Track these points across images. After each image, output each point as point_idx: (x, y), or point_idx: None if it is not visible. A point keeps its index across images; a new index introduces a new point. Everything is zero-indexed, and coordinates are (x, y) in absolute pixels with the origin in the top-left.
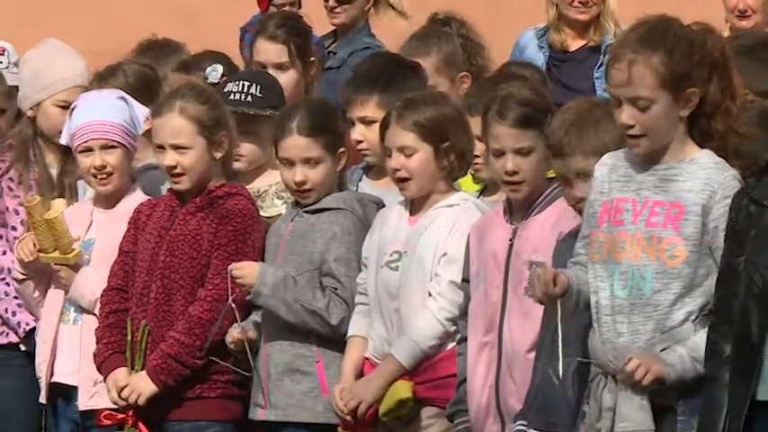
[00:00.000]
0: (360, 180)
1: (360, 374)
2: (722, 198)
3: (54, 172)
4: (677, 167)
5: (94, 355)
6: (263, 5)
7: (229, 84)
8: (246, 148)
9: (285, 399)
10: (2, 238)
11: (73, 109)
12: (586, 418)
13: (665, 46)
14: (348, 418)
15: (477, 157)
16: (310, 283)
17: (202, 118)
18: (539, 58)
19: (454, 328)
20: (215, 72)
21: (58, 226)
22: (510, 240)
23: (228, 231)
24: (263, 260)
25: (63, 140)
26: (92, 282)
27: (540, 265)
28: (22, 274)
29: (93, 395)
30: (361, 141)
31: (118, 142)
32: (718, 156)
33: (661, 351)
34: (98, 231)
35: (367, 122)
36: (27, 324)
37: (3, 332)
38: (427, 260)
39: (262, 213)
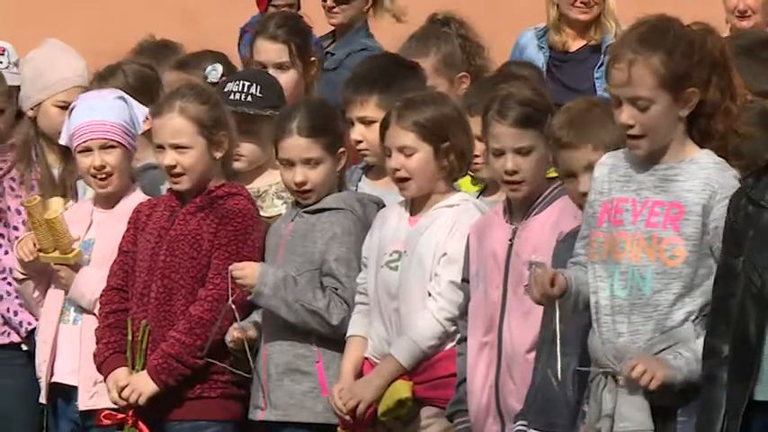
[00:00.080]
0: (359, 180)
1: (359, 374)
2: (723, 198)
3: (56, 172)
4: (677, 167)
5: (94, 355)
6: (262, 6)
7: (229, 83)
8: (246, 148)
9: (285, 399)
10: (4, 238)
11: (72, 109)
12: (586, 418)
13: (664, 46)
14: (347, 417)
15: (476, 156)
16: (311, 283)
17: (202, 118)
18: (539, 58)
19: (454, 328)
20: (215, 71)
21: (58, 226)
22: (510, 240)
23: (229, 231)
24: (263, 260)
25: (62, 140)
26: (92, 282)
27: (540, 265)
28: (22, 273)
29: (94, 395)
30: (360, 141)
31: (117, 142)
32: (718, 156)
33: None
34: (98, 231)
35: (366, 122)
36: (29, 324)
37: (4, 332)
38: (427, 260)
39: (262, 213)
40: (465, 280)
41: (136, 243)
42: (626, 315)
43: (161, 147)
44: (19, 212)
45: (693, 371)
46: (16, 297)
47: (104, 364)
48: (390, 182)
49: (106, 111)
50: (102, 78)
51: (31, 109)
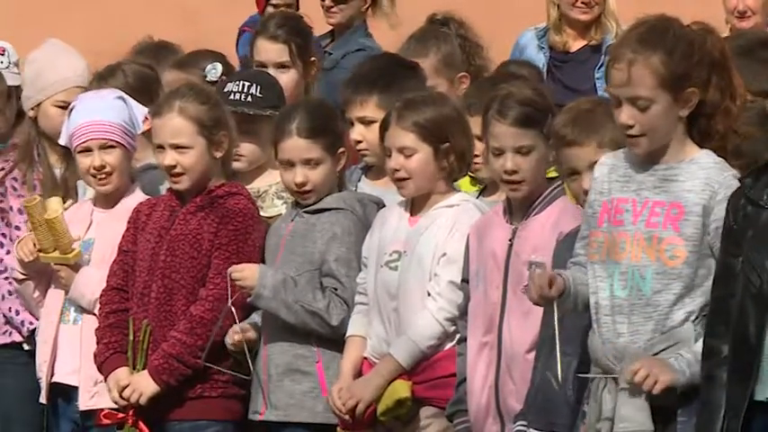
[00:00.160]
0: (359, 180)
1: (358, 374)
2: (723, 198)
3: (58, 172)
4: (677, 167)
5: (95, 355)
6: (260, 5)
7: (229, 84)
8: (246, 148)
9: (285, 399)
10: (6, 238)
11: (71, 109)
12: (586, 418)
13: (664, 46)
14: (346, 417)
15: (476, 156)
16: (310, 283)
17: (202, 118)
18: (539, 58)
19: (453, 328)
20: (214, 71)
21: (58, 226)
22: (509, 240)
23: (229, 231)
24: (263, 260)
25: (62, 141)
26: (92, 282)
27: (540, 266)
28: (22, 274)
29: (94, 395)
30: (360, 141)
31: (117, 142)
32: (718, 156)
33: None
34: (98, 231)
35: (366, 123)
36: (30, 323)
37: (6, 331)
38: (427, 260)
39: (262, 213)
40: (465, 280)
41: (136, 243)
42: (626, 315)
43: (161, 147)
44: (21, 212)
45: (695, 373)
46: (18, 297)
47: (105, 364)
48: (390, 182)
49: (106, 111)
50: (101, 78)
51: (32, 109)
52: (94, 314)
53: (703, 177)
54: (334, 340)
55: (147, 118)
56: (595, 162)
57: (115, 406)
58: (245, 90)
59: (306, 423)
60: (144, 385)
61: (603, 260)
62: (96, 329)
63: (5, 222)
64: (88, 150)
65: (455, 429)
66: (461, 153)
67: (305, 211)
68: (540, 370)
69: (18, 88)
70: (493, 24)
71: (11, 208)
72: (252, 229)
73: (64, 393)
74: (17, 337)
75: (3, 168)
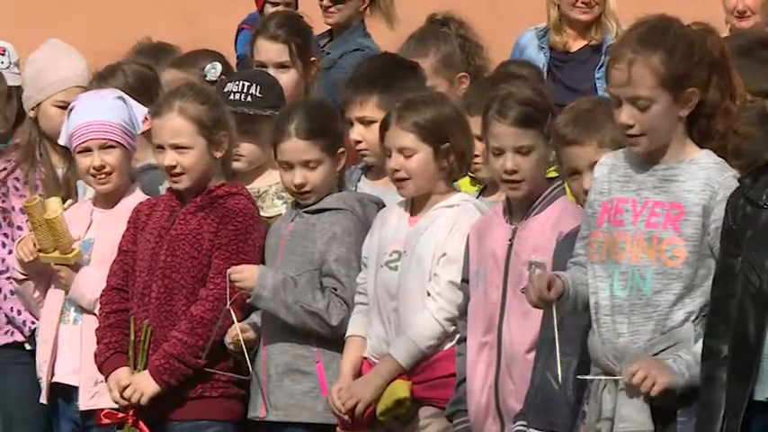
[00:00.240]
0: (358, 180)
1: (358, 374)
2: (723, 198)
3: (60, 172)
4: (677, 168)
5: (95, 355)
6: (258, 4)
7: (229, 84)
8: (246, 149)
9: (285, 399)
10: (8, 238)
11: (71, 109)
12: (586, 418)
13: (664, 46)
14: (346, 417)
15: (476, 156)
16: (310, 283)
17: (202, 118)
18: (539, 58)
19: (453, 328)
20: (214, 70)
21: (58, 226)
22: (509, 240)
23: (229, 231)
24: (263, 260)
25: (61, 141)
26: (92, 282)
27: (540, 266)
28: (22, 274)
29: (94, 395)
30: (360, 141)
31: (117, 142)
32: (718, 156)
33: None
34: (98, 231)
35: (366, 123)
36: (32, 323)
37: (8, 331)
38: (426, 260)
39: (262, 213)
40: (465, 280)
41: (136, 243)
42: (626, 315)
43: (161, 147)
44: (23, 212)
45: (695, 374)
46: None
47: (105, 364)
48: (390, 182)
49: (105, 111)
50: (101, 78)
51: (32, 109)
52: (94, 314)
53: (703, 178)
54: (333, 340)
55: (146, 118)
56: (596, 162)
57: (115, 406)
58: (245, 90)
59: (306, 423)
60: (145, 385)
61: (603, 260)
62: (97, 329)
63: (7, 222)
64: (88, 150)
65: (455, 429)
66: (461, 153)
67: (305, 212)
68: (540, 370)
69: (18, 88)
70: (493, 24)
71: (13, 208)
72: (252, 229)
73: (64, 393)
74: (19, 337)
75: (5, 168)
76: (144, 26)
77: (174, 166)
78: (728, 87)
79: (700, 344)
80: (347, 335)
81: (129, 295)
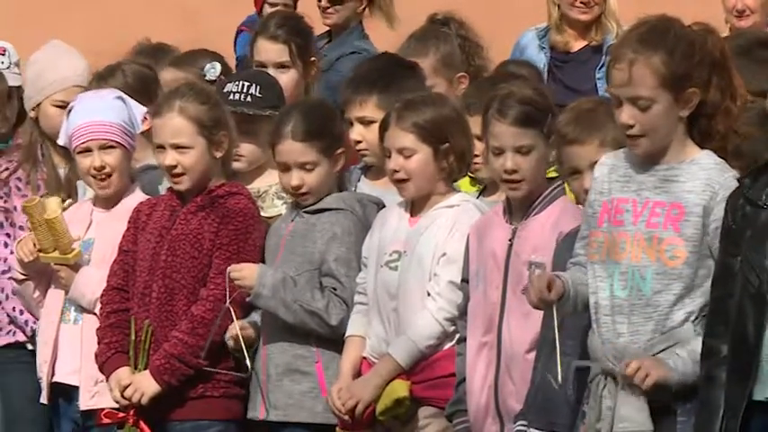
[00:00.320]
0: (358, 180)
1: (357, 374)
2: (723, 199)
3: (62, 172)
4: (678, 168)
5: (96, 355)
6: (257, 5)
7: (229, 84)
8: (246, 149)
9: (285, 399)
10: (10, 238)
11: (70, 110)
12: (586, 418)
13: (665, 46)
14: (346, 417)
15: (476, 156)
16: (310, 283)
17: (202, 118)
18: (540, 58)
19: (452, 328)
20: (213, 70)
21: (58, 226)
22: (509, 240)
23: (230, 231)
24: (263, 260)
25: (61, 141)
26: (92, 281)
27: (540, 266)
28: (22, 274)
29: (95, 395)
30: (359, 142)
31: (117, 142)
32: (719, 156)
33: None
34: (98, 231)
35: (366, 123)
36: (34, 323)
37: (10, 331)
38: (426, 260)
39: (262, 214)
40: (465, 280)
41: (136, 242)
42: (626, 315)
43: (161, 147)
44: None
45: (689, 372)
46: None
47: (106, 364)
48: (389, 182)
49: (105, 111)
50: (101, 78)
51: (33, 110)
52: (95, 314)
53: (704, 178)
54: (333, 340)
55: (146, 118)
56: (597, 161)
57: (116, 405)
58: (245, 90)
59: (305, 423)
60: (145, 385)
61: (603, 260)
62: (97, 329)
63: (10, 222)
64: (88, 151)
65: (454, 429)
66: (461, 153)
67: (305, 212)
68: (541, 370)
69: (19, 89)
70: (493, 24)
71: (15, 208)
72: (252, 228)
73: (64, 393)
74: (21, 337)
75: (7, 169)
76: (144, 26)
77: (175, 166)
78: (729, 88)
79: (696, 341)
80: (347, 335)
81: (130, 295)
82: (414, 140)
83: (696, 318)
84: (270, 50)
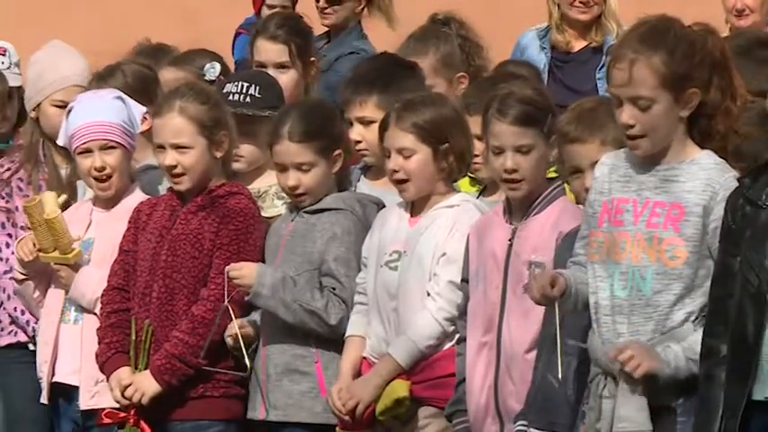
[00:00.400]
0: (358, 180)
1: (357, 374)
2: (723, 199)
3: (64, 172)
4: (678, 168)
5: (97, 355)
6: (256, 6)
7: (228, 84)
8: (245, 149)
9: (284, 399)
10: (12, 238)
11: (69, 110)
12: (586, 418)
13: (666, 46)
14: (346, 418)
15: (476, 156)
16: (309, 283)
17: (202, 118)
18: (540, 58)
19: (452, 328)
20: (213, 69)
21: (58, 226)
22: (509, 240)
23: (230, 230)
24: (263, 260)
25: (60, 141)
26: (92, 281)
27: (540, 266)
28: (22, 274)
29: (95, 395)
30: (359, 142)
31: (117, 142)
32: (719, 156)
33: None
34: (98, 231)
35: (365, 123)
36: (36, 323)
37: (12, 331)
38: (426, 260)
39: (262, 214)
40: (465, 280)
41: (137, 242)
42: (626, 315)
43: (161, 147)
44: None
45: (682, 367)
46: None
47: (107, 364)
48: (389, 182)
49: (105, 111)
50: (101, 78)
51: (33, 110)
52: (95, 314)
53: (704, 178)
54: (333, 340)
55: (145, 118)
56: (598, 160)
57: (116, 405)
58: (244, 91)
59: (305, 423)
60: (146, 385)
61: (603, 260)
62: (98, 329)
63: (11, 223)
64: (88, 151)
65: (454, 429)
66: (461, 154)
67: (305, 212)
68: (541, 370)
69: (20, 89)
70: (493, 24)
71: (17, 208)
72: (253, 228)
73: (65, 393)
74: (22, 337)
75: (9, 169)
76: (144, 26)
77: (175, 166)
78: (729, 88)
79: (692, 338)
80: (347, 335)
81: (131, 295)
82: (413, 141)
83: (696, 318)
84: (270, 51)
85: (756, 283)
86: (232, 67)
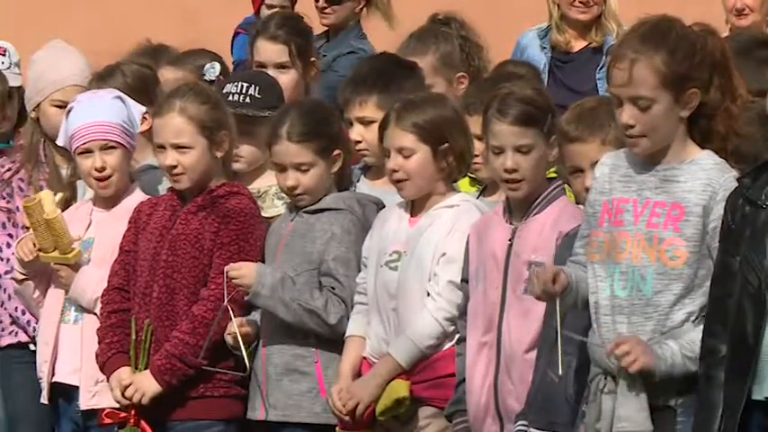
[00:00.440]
0: (357, 180)
1: (357, 374)
2: (723, 199)
3: (65, 172)
4: (678, 168)
5: (97, 355)
6: (255, 6)
7: (228, 84)
8: (245, 150)
9: (284, 399)
10: (13, 238)
11: (69, 111)
12: (586, 418)
13: (666, 46)
14: (347, 418)
15: (476, 156)
16: (308, 282)
17: (203, 118)
18: (540, 58)
19: (452, 327)
20: (213, 69)
21: (58, 226)
22: (509, 240)
23: (230, 231)
24: (263, 260)
25: (60, 141)
26: (92, 281)
27: (540, 266)
28: (22, 274)
29: (95, 395)
30: (359, 142)
31: (117, 142)
32: (719, 157)
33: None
34: (97, 231)
35: (365, 123)
36: (36, 323)
37: (13, 331)
38: (426, 260)
39: (262, 214)
40: (465, 280)
41: (137, 242)
42: (626, 315)
43: (162, 146)
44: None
45: (678, 364)
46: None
47: (107, 364)
48: (389, 182)
49: (105, 111)
50: (100, 79)
51: (33, 110)
52: (95, 314)
53: (704, 178)
54: (332, 340)
55: (145, 118)
56: (598, 160)
57: (116, 405)
58: (244, 91)
59: (305, 423)
60: (146, 385)
61: (603, 260)
62: (98, 329)
63: (12, 223)
64: (89, 152)
65: (454, 429)
66: (460, 154)
67: (304, 211)
68: (541, 366)
69: (20, 89)
70: (493, 24)
71: (17, 208)
72: (253, 228)
73: (65, 393)
74: (23, 337)
75: (10, 169)
76: (144, 26)
77: (175, 166)
78: (729, 88)
79: (689, 335)
80: (347, 335)
81: (131, 295)
82: (413, 140)
83: (696, 318)
84: (270, 51)
85: (756, 283)
86: (231, 66)
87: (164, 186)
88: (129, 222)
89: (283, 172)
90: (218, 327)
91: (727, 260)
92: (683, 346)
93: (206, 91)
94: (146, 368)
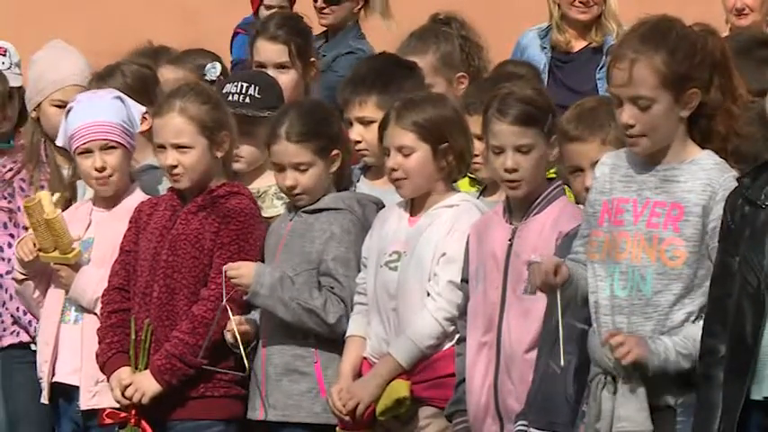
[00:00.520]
0: (357, 180)
1: (358, 374)
2: (722, 199)
3: (66, 172)
4: (678, 168)
5: (97, 355)
6: (254, 6)
7: (228, 84)
8: (245, 150)
9: (284, 399)
10: (14, 238)
11: (68, 111)
12: (586, 418)
13: (666, 46)
14: (347, 418)
15: (476, 156)
16: (308, 282)
17: (203, 118)
18: (541, 58)
19: (452, 327)
20: (213, 69)
21: (58, 226)
22: (509, 240)
23: (231, 230)
24: (263, 260)
25: (59, 142)
26: (92, 281)
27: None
28: (22, 274)
29: (95, 395)
30: (359, 141)
31: (117, 142)
32: (720, 157)
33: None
34: (97, 230)
35: (365, 123)
36: (37, 323)
37: (14, 331)
38: (426, 260)
39: (262, 214)
40: (465, 280)
41: (137, 242)
42: (626, 315)
43: (162, 146)
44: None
45: (672, 360)
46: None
47: (107, 364)
48: (389, 182)
49: (105, 111)
50: (100, 79)
51: (34, 110)
52: (95, 313)
53: (704, 178)
54: (332, 341)
55: (145, 117)
56: (599, 159)
57: (116, 405)
58: (244, 91)
59: (304, 423)
60: (146, 385)
61: (603, 260)
62: (98, 329)
63: (13, 223)
64: (89, 152)
65: (454, 429)
66: (460, 153)
67: (303, 211)
68: (543, 363)
69: (20, 89)
70: (493, 24)
71: (19, 208)
72: (253, 228)
73: (65, 393)
74: (25, 337)
75: (11, 169)
76: (144, 26)
77: (176, 166)
78: (729, 88)
79: (684, 332)
80: (347, 335)
81: (131, 295)
82: (413, 139)
83: (696, 318)
84: (269, 51)
85: (755, 283)
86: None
87: (164, 186)
88: (130, 222)
89: (282, 172)
90: (218, 326)
91: (727, 260)
92: (676, 342)
93: (206, 91)
94: (146, 368)
